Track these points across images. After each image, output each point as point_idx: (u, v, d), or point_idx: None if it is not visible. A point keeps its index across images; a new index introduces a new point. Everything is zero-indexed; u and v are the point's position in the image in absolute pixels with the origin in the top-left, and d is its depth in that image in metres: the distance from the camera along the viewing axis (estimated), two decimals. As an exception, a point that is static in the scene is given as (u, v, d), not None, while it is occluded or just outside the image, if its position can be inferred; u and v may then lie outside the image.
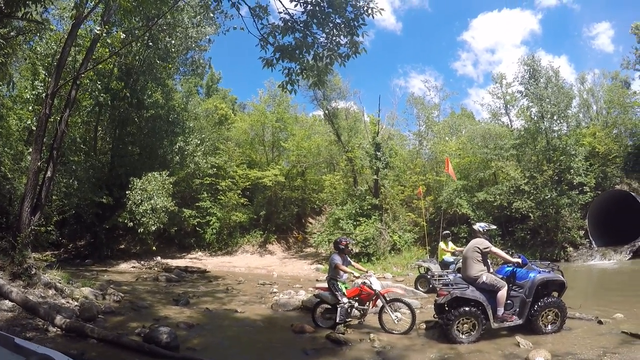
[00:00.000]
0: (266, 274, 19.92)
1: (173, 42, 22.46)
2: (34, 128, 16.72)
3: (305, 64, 7.76)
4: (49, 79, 14.17)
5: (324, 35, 7.52)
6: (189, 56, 26.53)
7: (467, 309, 7.31)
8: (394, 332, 8.17)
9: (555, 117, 24.29)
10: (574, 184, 22.47)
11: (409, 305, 8.51)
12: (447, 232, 15.68)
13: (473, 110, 55.35)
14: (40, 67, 19.72)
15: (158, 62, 23.69)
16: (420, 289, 13.50)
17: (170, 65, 24.76)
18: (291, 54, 7.55)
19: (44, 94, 14.61)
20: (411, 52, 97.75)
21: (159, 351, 6.28)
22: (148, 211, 20.65)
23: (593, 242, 21.65)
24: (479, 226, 8.31)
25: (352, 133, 29.82)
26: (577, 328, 7.93)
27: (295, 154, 30.36)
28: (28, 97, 19.36)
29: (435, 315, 8.29)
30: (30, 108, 19.46)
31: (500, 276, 7.76)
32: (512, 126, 28.97)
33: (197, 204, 27.64)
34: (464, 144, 29.34)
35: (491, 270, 7.93)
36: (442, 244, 14.22)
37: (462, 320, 7.32)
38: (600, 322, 8.21)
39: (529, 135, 24.83)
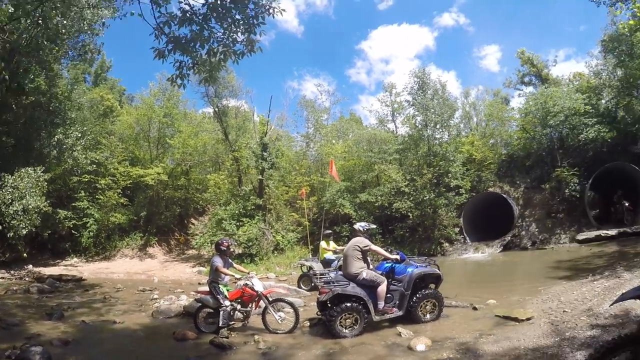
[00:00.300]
0: (146, 279, 19.34)
1: (65, 22, 20.12)
2: None
3: (198, 58, 7.64)
4: None
5: (221, 30, 7.39)
6: (80, 39, 23.65)
7: (348, 304, 7.75)
8: (278, 332, 8.40)
9: (438, 126, 26.25)
10: (451, 186, 24.38)
11: (291, 305, 8.73)
12: (329, 231, 16.25)
13: (362, 115, 57.91)
14: None
15: (46, 43, 21.06)
16: (303, 287, 13.88)
17: (58, 48, 21.92)
18: (185, 47, 7.39)
19: None
20: (309, 56, 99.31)
21: None
22: (19, 212, 18.16)
23: (467, 238, 23.64)
24: (359, 225, 8.76)
25: (241, 132, 29.74)
26: (454, 315, 8.75)
27: (180, 152, 29.43)
28: None
29: (319, 313, 8.53)
30: None
31: (380, 272, 8.34)
32: (397, 132, 30.61)
33: (73, 204, 25.58)
34: (350, 147, 30.58)
35: (371, 266, 8.41)
36: (323, 243, 14.67)
37: (345, 315, 7.75)
38: (475, 308, 9.11)
39: (412, 141, 26.60)
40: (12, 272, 19.68)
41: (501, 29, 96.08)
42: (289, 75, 79.30)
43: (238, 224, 24.07)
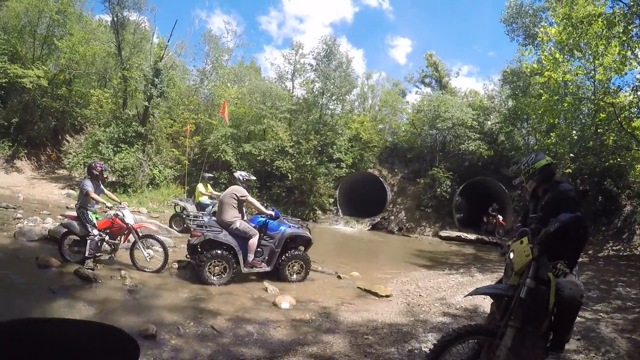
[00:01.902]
0: (10, 196, 18.01)
1: None
2: None
3: None
4: None
5: None
6: None
7: (219, 252, 7.97)
8: (145, 269, 8.35)
9: (334, 97, 27.30)
10: (334, 158, 25.67)
11: (162, 243, 8.64)
12: (210, 175, 16.31)
13: (262, 66, 57.03)
14: None
15: None
16: (175, 227, 13.99)
17: None
18: None
19: None
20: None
21: None
22: None
23: (340, 210, 25.12)
24: (239, 174, 8.96)
25: (135, 51, 27.81)
26: (319, 280, 9.35)
27: (67, 57, 26.67)
28: None
29: (188, 256, 8.66)
30: None
31: (254, 225, 8.58)
32: (293, 92, 31.04)
33: None
34: (244, 94, 30.37)
35: (245, 218, 8.69)
36: (200, 186, 14.68)
37: (214, 262, 7.95)
38: (339, 277, 9.84)
39: (306, 105, 27.49)
40: None
41: (418, 26, 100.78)
42: (198, 2, 75.07)
43: (116, 149, 23.16)
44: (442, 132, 26.56)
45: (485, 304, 6.83)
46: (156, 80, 24.19)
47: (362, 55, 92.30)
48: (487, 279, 10.02)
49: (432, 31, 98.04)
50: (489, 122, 28.10)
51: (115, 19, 26.55)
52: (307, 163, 24.77)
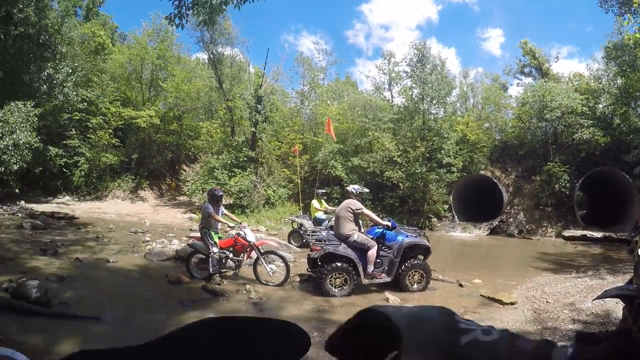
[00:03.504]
0: (138, 222, 19.31)
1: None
2: None
3: None
4: None
5: (224, -29, 6.97)
6: None
7: (339, 264, 7.84)
8: (269, 283, 8.46)
9: (434, 101, 26.04)
10: (443, 163, 24.37)
11: (283, 258, 8.75)
12: (323, 191, 16.36)
13: (357, 79, 56.88)
14: None
15: None
16: (294, 243, 13.97)
17: None
18: None
19: None
20: (306, 10, 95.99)
21: (30, 308, 5.94)
22: (10, 147, 18.15)
23: (455, 216, 23.85)
24: (352, 188, 8.76)
25: (235, 82, 29.02)
26: (441, 289, 8.88)
27: (173, 96, 28.90)
28: None
29: (309, 269, 8.67)
30: None
31: (371, 236, 8.32)
32: (392, 102, 30.41)
33: (64, 142, 25.42)
34: (345, 110, 30.13)
35: (362, 230, 8.46)
36: (315, 202, 14.69)
37: (335, 275, 7.83)
38: (461, 285, 9.23)
39: (408, 112, 26.40)
40: (4, 207, 19.69)
41: (507, 14, 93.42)
42: (285, 28, 76.77)
43: (230, 174, 24.01)
44: (552, 123, 24.27)
45: (618, 308, 6.19)
46: (259, 106, 24.83)
47: (455, 53, 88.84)
48: (619, 281, 9.01)
49: (521, 16, 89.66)
50: (600, 106, 25.07)
51: (211, 56, 27.87)
52: (416, 171, 23.85)
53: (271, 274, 8.58)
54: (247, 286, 8.14)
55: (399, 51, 71.08)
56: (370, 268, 8.06)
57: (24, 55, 21.06)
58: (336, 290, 7.85)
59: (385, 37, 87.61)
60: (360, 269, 7.99)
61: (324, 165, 24.97)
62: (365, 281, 8.09)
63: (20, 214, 18.25)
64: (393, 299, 7.71)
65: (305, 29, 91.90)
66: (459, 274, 10.48)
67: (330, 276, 7.82)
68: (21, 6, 20.51)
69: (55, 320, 5.88)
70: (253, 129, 25.15)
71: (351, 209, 8.26)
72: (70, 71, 22.70)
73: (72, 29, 25.39)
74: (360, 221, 8.61)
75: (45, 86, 21.70)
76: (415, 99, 26.10)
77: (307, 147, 28.08)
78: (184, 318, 6.24)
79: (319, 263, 8.14)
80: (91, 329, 5.74)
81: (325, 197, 15.64)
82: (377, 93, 31.59)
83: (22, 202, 20.69)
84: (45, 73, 21.34)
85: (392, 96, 31.09)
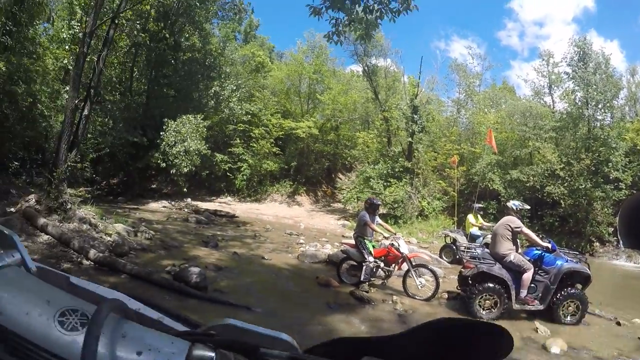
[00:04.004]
0: (293, 225, 19.89)
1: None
2: (70, 67, 17.17)
3: (354, 15, 7.47)
4: (87, 19, 14.19)
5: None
6: (229, 0, 26.30)
7: (491, 285, 7.26)
8: (416, 297, 8.20)
9: (600, 106, 23.05)
10: (610, 178, 21.49)
11: (434, 273, 8.47)
12: (480, 205, 15.22)
13: (514, 84, 53.43)
14: (77, 7, 20.20)
15: (197, 4, 23.78)
16: (445, 258, 13.30)
17: (211, 8, 24.98)
18: (341, 4, 7.26)
19: (80, 34, 15.00)
20: (455, 14, 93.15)
21: (189, 291, 6.46)
22: (181, 153, 21.02)
23: (621, 242, 20.81)
24: (512, 204, 8.06)
25: (390, 93, 29.14)
26: (595, 325, 7.81)
27: (330, 108, 29.86)
28: (64, 36, 20.42)
29: (458, 287, 8.22)
30: (66, 47, 20.33)
31: (528, 258, 7.59)
32: (554, 107, 27.92)
33: (229, 150, 27.65)
34: (503, 118, 28.22)
35: (519, 250, 7.74)
36: (470, 217, 13.78)
37: (485, 296, 7.28)
38: (618, 324, 8.04)
39: (571, 119, 23.87)
40: (172, 203, 21.97)
41: None
42: (434, 34, 74.74)
43: (385, 183, 23.90)
44: None
45: None
46: (415, 116, 24.49)
47: (618, 46, 79.15)
48: None
49: None
50: None
51: (366, 68, 28.45)
52: (580, 186, 21.24)
53: (420, 288, 8.32)
54: (394, 297, 7.99)
55: (557, 49, 64.96)
56: (524, 293, 7.31)
57: (193, 76, 24.82)
58: (484, 312, 7.31)
59: (539, 34, 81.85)
60: (513, 292, 7.31)
61: (481, 178, 23.56)
62: (516, 306, 7.36)
63: (186, 210, 20.02)
64: (543, 329, 6.90)
65: (456, 33, 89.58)
66: (617, 310, 9.13)
67: (480, 297, 7.28)
68: (187, 35, 24.58)
69: (209, 305, 6.27)
70: (409, 139, 24.79)
71: (510, 226, 7.57)
72: (234, 88, 25.92)
73: (234, 51, 29.69)
74: (518, 241, 7.87)
75: (212, 102, 25.37)
76: (579, 103, 23.54)
77: (463, 158, 26.80)
78: (328, 319, 6.45)
79: (470, 282, 7.60)
80: (241, 316, 5.85)
81: (481, 212, 14.60)
82: (536, 98, 29.20)
83: (189, 200, 22.58)
84: (212, 90, 24.94)
85: (553, 101, 28.73)
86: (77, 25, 18.95)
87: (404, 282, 8.47)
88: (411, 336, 0.66)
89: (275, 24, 75.39)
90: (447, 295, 8.54)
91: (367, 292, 8.12)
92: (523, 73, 69.49)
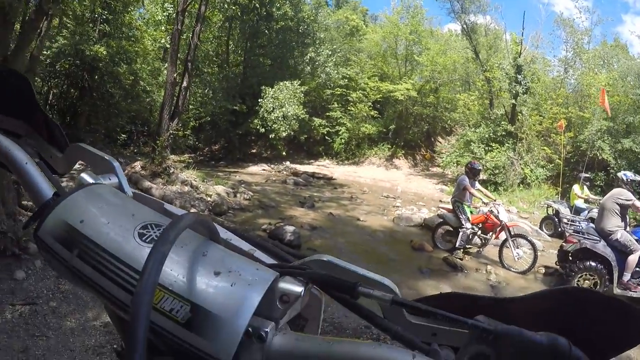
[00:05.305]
0: (390, 188, 19.75)
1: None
2: (168, 46, 18.73)
3: None
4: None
5: None
6: None
7: (593, 264, 6.68)
8: (511, 269, 7.88)
9: None
10: None
11: (532, 245, 7.93)
12: (587, 175, 14.15)
13: (627, 41, 48.56)
14: None
15: None
16: (545, 230, 12.47)
17: None
18: None
19: (174, 14, 15.96)
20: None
21: (281, 248, 6.59)
22: (279, 118, 21.60)
23: None
24: (623, 174, 7.36)
25: (491, 52, 27.63)
26: None
27: (429, 70, 28.78)
28: (160, 18, 22.56)
29: (557, 263, 7.70)
30: (162, 28, 22.54)
31: (636, 238, 6.81)
32: (675, 66, 24.61)
33: (327, 114, 27.87)
34: (615, 80, 25.29)
35: (628, 228, 7.02)
36: (576, 188, 12.79)
37: (585, 275, 6.73)
38: None
39: None
40: (271, 166, 22.83)
41: None
42: None
43: (487, 148, 22.91)
44: None
45: None
46: (519, 77, 23.00)
47: None
48: None
49: None
50: None
51: (464, 26, 27.01)
52: None
53: (516, 259, 7.90)
54: (488, 267, 7.81)
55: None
56: (627, 276, 6.61)
57: (287, 44, 25.59)
58: (582, 293, 6.64)
59: (656, -19, 72.81)
60: (616, 274, 6.63)
61: (590, 146, 21.89)
62: (617, 291, 6.62)
63: (285, 172, 20.86)
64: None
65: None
66: None
67: (579, 275, 6.72)
68: (278, 5, 25.22)
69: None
70: (513, 101, 23.33)
71: (620, 199, 6.85)
72: (329, 53, 26.10)
73: (326, 17, 29.60)
74: (627, 217, 7.16)
75: (308, 67, 25.85)
76: None
77: (571, 123, 24.55)
78: (419, 284, 6.45)
79: (571, 258, 7.08)
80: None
81: (587, 183, 13.52)
82: (654, 57, 26.18)
83: (287, 163, 23.38)
84: (308, 57, 25.41)
85: (674, 60, 25.30)
86: (170, 7, 20.65)
87: (500, 251, 8.13)
88: (530, 301, 0.60)
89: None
90: (544, 270, 8.14)
91: (460, 259, 8.03)
92: (637, 28, 62.33)
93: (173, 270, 0.46)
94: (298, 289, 0.49)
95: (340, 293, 0.51)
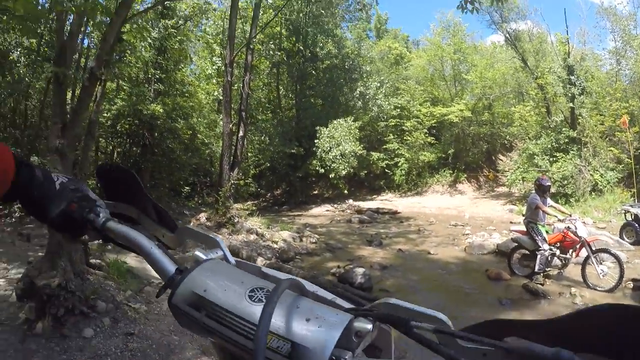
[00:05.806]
0: (457, 215, 19.40)
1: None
2: (221, 98, 19.40)
3: None
4: (225, 52, 15.75)
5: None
6: (351, 1, 27.74)
7: None
8: (597, 288, 7.32)
9: None
10: None
11: (617, 258, 7.39)
12: None
13: None
14: (214, 45, 23.42)
15: (322, 12, 25.16)
16: (627, 239, 11.67)
17: (336, 12, 26.44)
18: None
19: (223, 67, 16.75)
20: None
21: (352, 291, 6.67)
22: (337, 157, 21.90)
23: None
24: None
25: (539, 56, 26.78)
26: None
27: (479, 86, 28.30)
28: (210, 72, 23.66)
29: None
30: (214, 81, 23.54)
31: None
32: None
33: (384, 147, 27.87)
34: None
35: None
36: None
37: None
38: None
39: None
40: (335, 205, 22.90)
41: None
42: None
43: (551, 159, 21.99)
44: None
45: None
46: (572, 77, 22.16)
47: None
48: None
49: None
50: None
51: (507, 35, 26.61)
52: None
53: (601, 277, 7.35)
54: (572, 289, 7.26)
55: None
56: None
57: (336, 81, 26.18)
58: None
59: None
60: None
61: (658, 138, 20.70)
62: None
63: (348, 211, 20.84)
64: None
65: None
66: None
67: None
68: (321, 44, 26.03)
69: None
70: (570, 105, 22.32)
71: None
72: (378, 85, 26.40)
73: (369, 49, 30.15)
74: None
75: (359, 102, 26.22)
76: None
77: (634, 117, 23.41)
78: (500, 316, 5.93)
79: None
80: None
81: None
82: None
83: (350, 201, 23.41)
84: (357, 92, 25.83)
85: None
86: (219, 60, 21.92)
87: (583, 270, 7.59)
88: (565, 323, 0.61)
89: (404, 14, 73.74)
90: (632, 285, 7.50)
91: (542, 284, 7.59)
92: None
93: (277, 321, 0.61)
94: (368, 326, 0.63)
95: (396, 327, 0.63)
